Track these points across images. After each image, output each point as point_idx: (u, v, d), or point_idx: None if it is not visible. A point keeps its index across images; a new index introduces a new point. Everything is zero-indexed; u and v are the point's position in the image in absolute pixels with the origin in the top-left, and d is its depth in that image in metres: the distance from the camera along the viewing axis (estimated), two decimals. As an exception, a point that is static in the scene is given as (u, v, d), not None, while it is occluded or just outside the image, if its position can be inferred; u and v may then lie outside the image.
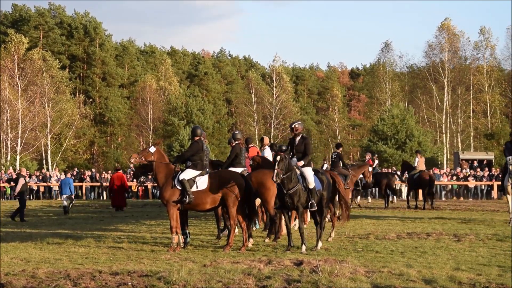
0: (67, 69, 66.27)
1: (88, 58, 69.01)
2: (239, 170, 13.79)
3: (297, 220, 13.71)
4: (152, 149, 12.80)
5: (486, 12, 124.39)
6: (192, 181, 12.42)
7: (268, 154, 15.50)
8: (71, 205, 25.05)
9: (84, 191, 39.10)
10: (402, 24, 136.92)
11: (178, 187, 12.41)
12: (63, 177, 39.39)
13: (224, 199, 12.45)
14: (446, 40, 59.51)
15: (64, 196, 24.88)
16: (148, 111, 61.41)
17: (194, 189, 12.39)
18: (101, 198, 39.45)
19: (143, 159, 12.81)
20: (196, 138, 12.81)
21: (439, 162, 55.10)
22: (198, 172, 12.52)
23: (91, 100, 66.98)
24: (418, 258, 10.92)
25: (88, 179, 40.14)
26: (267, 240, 13.76)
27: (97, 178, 40.53)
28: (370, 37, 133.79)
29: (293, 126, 12.57)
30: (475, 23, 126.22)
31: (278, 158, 11.71)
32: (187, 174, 12.47)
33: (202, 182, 12.46)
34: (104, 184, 39.96)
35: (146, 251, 12.28)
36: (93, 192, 39.85)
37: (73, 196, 25.69)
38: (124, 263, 10.38)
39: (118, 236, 15.05)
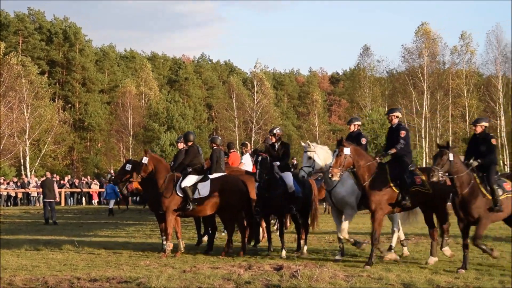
0: (46, 75, 65.62)
1: (68, 63, 68.37)
2: (218, 175, 13.71)
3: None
4: (145, 160, 12.51)
5: (466, 18, 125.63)
6: (194, 187, 12.28)
7: (247, 161, 15.48)
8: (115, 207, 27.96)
9: (63, 196, 38.71)
10: (382, 29, 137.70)
11: (180, 194, 12.25)
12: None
13: (227, 205, 12.30)
14: (425, 45, 60.00)
15: (111, 200, 27.88)
16: (128, 117, 61.04)
17: (196, 195, 12.24)
18: (81, 204, 39.18)
19: (143, 174, 12.48)
20: (190, 143, 12.83)
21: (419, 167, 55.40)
22: (199, 177, 12.40)
23: (70, 105, 66.37)
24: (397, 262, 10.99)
25: (67, 185, 39.81)
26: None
27: (77, 184, 40.24)
28: (350, 42, 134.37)
29: (274, 132, 12.61)
30: (455, 28, 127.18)
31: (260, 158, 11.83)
32: (189, 180, 12.32)
33: (204, 188, 12.32)
34: (84, 190, 39.70)
35: (125, 257, 12.21)
36: (72, 198, 39.53)
37: (118, 200, 28.68)
38: (103, 270, 10.31)
39: (97, 242, 14.94)
